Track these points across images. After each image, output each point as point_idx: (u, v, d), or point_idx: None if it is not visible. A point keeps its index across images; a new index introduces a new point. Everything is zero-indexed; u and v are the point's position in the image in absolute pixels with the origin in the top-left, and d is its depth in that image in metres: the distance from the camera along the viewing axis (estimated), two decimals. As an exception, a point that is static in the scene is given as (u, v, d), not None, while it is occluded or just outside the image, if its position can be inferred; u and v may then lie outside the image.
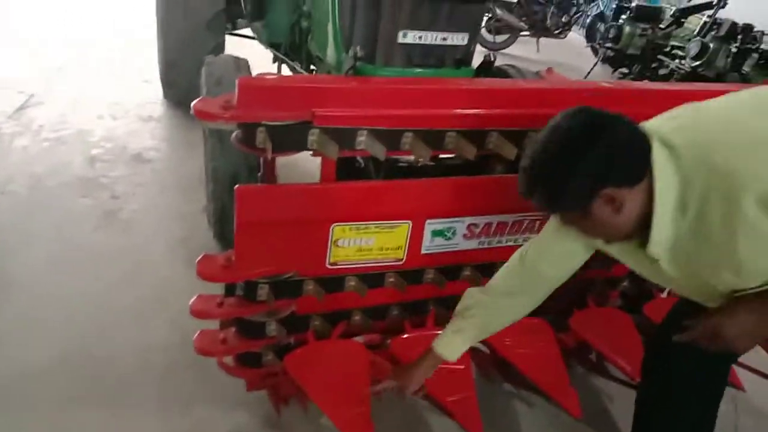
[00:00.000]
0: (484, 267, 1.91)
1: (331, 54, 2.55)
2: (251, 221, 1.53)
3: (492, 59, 2.49)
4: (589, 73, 6.98)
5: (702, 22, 6.54)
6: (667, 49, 7.18)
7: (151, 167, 3.67)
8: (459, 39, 2.30)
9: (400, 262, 1.80)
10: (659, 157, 1.12)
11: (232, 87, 1.46)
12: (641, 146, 1.13)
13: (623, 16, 7.57)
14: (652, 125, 1.19)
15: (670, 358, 1.55)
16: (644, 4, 7.72)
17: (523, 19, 8.37)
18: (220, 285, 1.69)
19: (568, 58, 8.59)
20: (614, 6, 8.17)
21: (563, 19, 8.70)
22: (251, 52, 3.34)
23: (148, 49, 4.81)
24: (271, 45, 3.59)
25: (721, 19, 6.24)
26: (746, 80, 5.72)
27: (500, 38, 8.49)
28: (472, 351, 1.88)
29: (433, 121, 1.62)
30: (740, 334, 1.20)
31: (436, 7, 2.19)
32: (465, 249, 1.86)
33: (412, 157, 1.73)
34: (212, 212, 2.50)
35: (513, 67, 2.77)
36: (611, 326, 2.06)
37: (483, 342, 1.89)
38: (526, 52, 8.35)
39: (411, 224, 1.74)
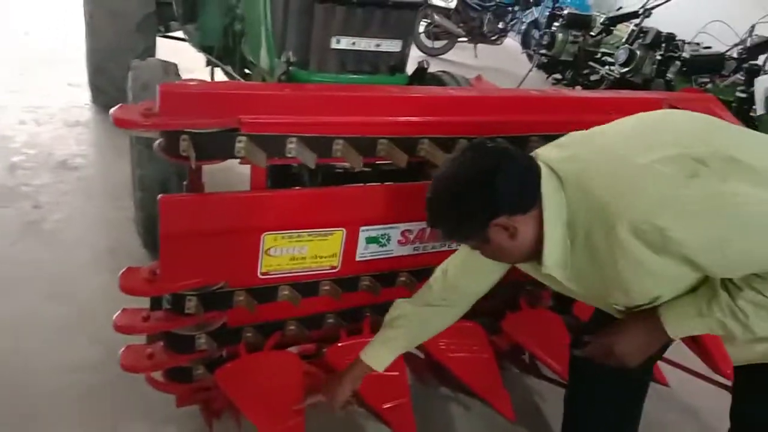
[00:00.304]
0: (420, 273, 1.92)
1: (264, 59, 2.52)
2: (176, 232, 1.48)
3: (426, 66, 2.51)
4: (524, 79, 7.15)
5: (630, 30, 6.81)
6: (598, 55, 7.45)
7: (77, 175, 3.51)
8: (392, 45, 2.32)
9: (335, 270, 1.79)
10: (547, 187, 1.20)
11: (159, 93, 1.41)
12: (531, 178, 1.21)
13: (556, 24, 7.80)
14: (544, 154, 1.28)
15: (592, 360, 1.59)
16: (575, 12, 7.98)
17: (461, 25, 8.52)
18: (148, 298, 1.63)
19: (504, 64, 8.80)
20: (547, 13, 8.41)
21: (499, 26, 8.92)
22: (189, 56, 3.26)
23: (77, 52, 4.61)
24: (204, 48, 3.51)
25: (646, 28, 6.53)
26: (670, 86, 5.99)
27: (439, 44, 8.61)
28: (407, 356, 1.89)
29: (364, 128, 1.62)
30: (631, 351, 1.29)
31: (369, 14, 2.20)
32: (400, 255, 1.87)
33: (347, 164, 1.72)
34: (140, 221, 2.41)
35: (447, 73, 2.81)
36: (542, 327, 2.11)
37: (418, 346, 1.89)
38: (464, 58, 8.50)
39: (345, 231, 1.73)
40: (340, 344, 1.87)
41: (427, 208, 1.29)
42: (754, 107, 4.71)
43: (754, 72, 5.01)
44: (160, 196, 1.44)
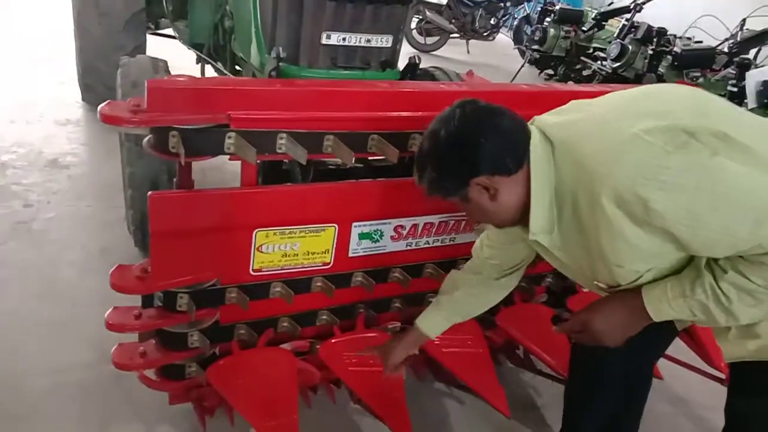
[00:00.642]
0: (413, 268, 1.92)
1: (254, 55, 2.50)
2: (167, 229, 1.47)
3: (417, 61, 2.50)
4: (516, 74, 7.15)
5: (621, 25, 6.82)
6: (590, 51, 7.46)
7: (68, 173, 3.49)
8: (383, 41, 2.31)
9: (328, 266, 1.78)
10: (536, 151, 1.19)
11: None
12: (519, 141, 1.20)
13: (548, 19, 7.80)
14: (541, 119, 1.27)
15: (594, 356, 1.59)
16: (567, 7, 7.99)
17: (453, 21, 8.52)
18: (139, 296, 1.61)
19: (497, 59, 8.80)
20: (539, 9, 8.42)
21: (491, 22, 8.92)
22: (179, 54, 3.24)
23: (66, 49, 4.57)
24: (194, 45, 3.49)
25: (638, 23, 6.54)
26: (662, 81, 6.00)
27: (431, 40, 8.62)
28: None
29: (355, 123, 1.61)
30: (607, 330, 1.27)
31: (359, 9, 2.19)
32: (393, 251, 1.86)
33: (339, 160, 1.72)
34: (131, 220, 2.40)
35: (439, 68, 2.81)
36: (536, 322, 2.11)
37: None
38: (456, 54, 8.50)
39: (337, 227, 1.73)
40: (333, 340, 1.87)
41: (414, 164, 1.29)
42: (745, 101, 4.72)
43: (745, 66, 5.02)
44: (149, 193, 1.43)
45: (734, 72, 5.19)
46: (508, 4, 9.19)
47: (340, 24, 2.18)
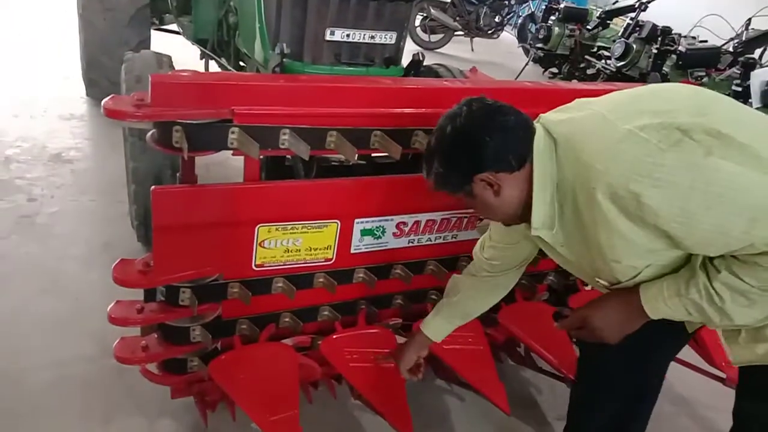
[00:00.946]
0: (415, 265, 1.92)
1: (258, 51, 2.50)
2: (169, 224, 1.47)
3: (421, 58, 2.50)
4: (520, 72, 7.14)
5: (626, 24, 6.81)
6: (594, 49, 7.45)
7: (71, 168, 3.50)
8: (387, 38, 2.31)
9: (330, 262, 1.78)
10: (540, 147, 1.21)
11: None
12: (523, 138, 1.22)
13: (552, 17, 7.79)
14: (546, 116, 1.28)
15: (601, 358, 1.59)
16: (572, 5, 7.97)
17: (457, 18, 8.50)
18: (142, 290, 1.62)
19: (501, 57, 8.79)
20: (544, 7, 8.40)
21: (496, 20, 8.90)
22: (183, 49, 3.24)
23: (70, 44, 4.58)
24: (198, 41, 3.49)
25: (642, 22, 6.52)
26: (666, 80, 5.99)
27: (435, 37, 8.61)
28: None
29: (358, 119, 1.61)
30: (606, 326, 1.28)
31: (363, 6, 2.18)
32: (395, 247, 1.86)
33: (342, 156, 1.72)
34: (135, 214, 2.40)
35: (442, 66, 2.80)
36: (538, 320, 2.10)
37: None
38: (460, 51, 8.49)
39: (339, 224, 1.73)
40: (335, 336, 1.87)
41: (423, 159, 1.33)
42: (750, 101, 4.71)
43: (750, 66, 5.02)
44: (153, 187, 1.43)
45: (739, 71, 5.18)
46: (513, 2, 9.18)
47: (344, 20, 2.18)
